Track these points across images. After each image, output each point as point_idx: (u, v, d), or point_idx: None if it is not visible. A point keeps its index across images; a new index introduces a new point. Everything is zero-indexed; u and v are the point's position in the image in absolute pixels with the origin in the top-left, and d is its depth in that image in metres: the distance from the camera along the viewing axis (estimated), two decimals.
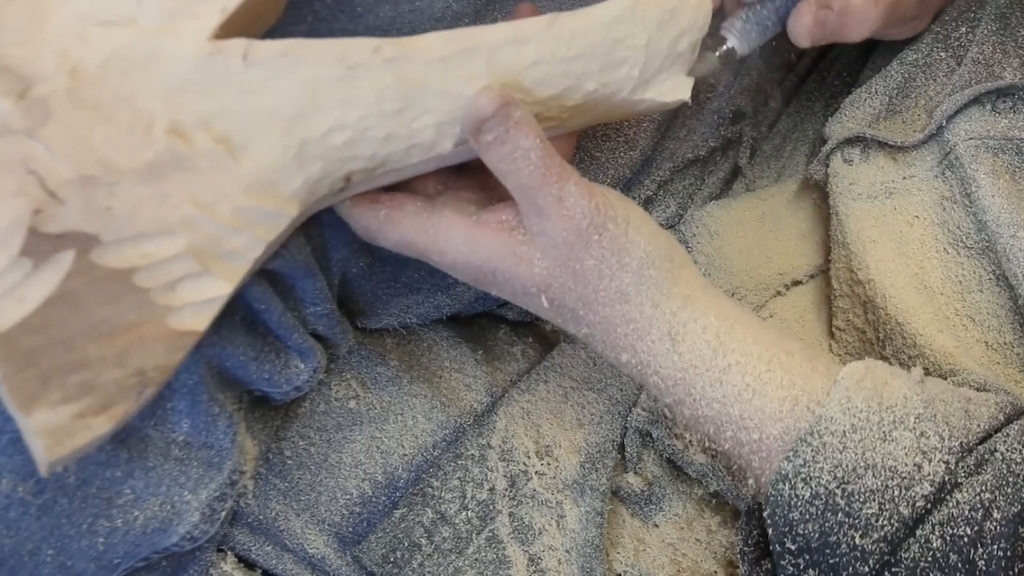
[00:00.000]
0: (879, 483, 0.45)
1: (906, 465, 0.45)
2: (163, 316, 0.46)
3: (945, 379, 0.57)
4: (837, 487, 0.46)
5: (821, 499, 0.46)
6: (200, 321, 0.47)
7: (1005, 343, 0.58)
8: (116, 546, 0.52)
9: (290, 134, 0.46)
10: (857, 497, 0.45)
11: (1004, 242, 0.57)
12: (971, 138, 0.59)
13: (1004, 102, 0.60)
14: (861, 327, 0.61)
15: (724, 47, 0.59)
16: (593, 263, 0.49)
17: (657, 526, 0.62)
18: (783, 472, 0.47)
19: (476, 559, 0.61)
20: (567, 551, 0.60)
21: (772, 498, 0.47)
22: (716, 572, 0.60)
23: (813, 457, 0.46)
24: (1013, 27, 0.63)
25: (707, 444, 0.51)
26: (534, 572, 0.60)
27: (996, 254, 0.57)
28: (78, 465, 0.51)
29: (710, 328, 0.50)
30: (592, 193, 0.49)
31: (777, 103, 0.71)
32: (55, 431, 0.44)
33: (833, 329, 0.64)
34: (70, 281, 0.44)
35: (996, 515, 0.44)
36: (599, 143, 0.65)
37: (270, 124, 0.46)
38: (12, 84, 0.42)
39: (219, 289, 0.47)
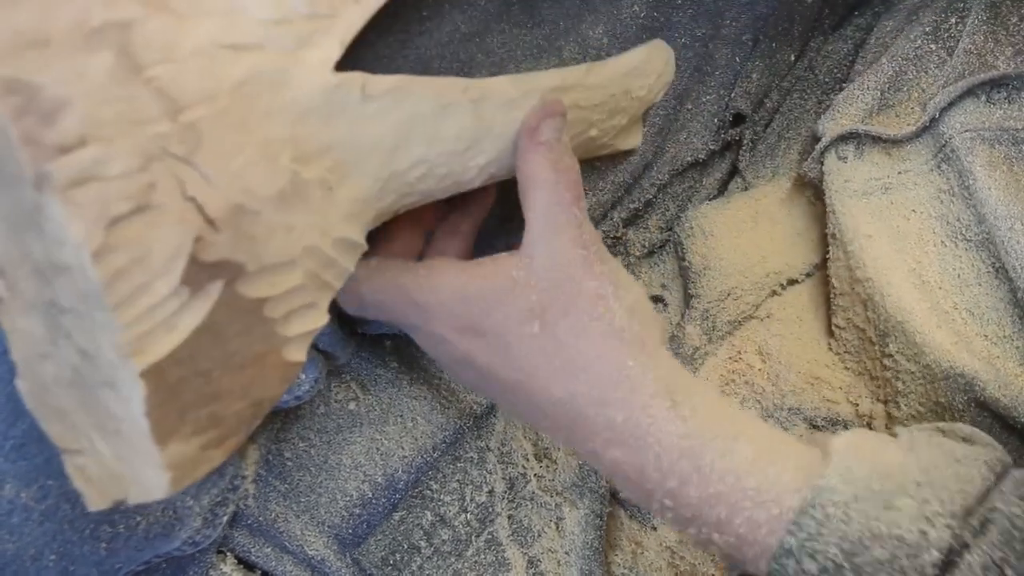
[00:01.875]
0: (887, 553, 0.43)
1: (911, 533, 0.44)
2: (281, 347, 0.46)
3: (948, 378, 0.57)
4: (845, 560, 0.44)
5: (829, 573, 0.44)
6: (302, 352, 0.47)
7: (1004, 336, 0.57)
8: (118, 551, 0.53)
9: (384, 167, 0.47)
10: (866, 569, 0.43)
11: (1002, 234, 0.56)
12: (966, 130, 0.58)
13: (998, 92, 0.59)
14: (861, 325, 0.61)
15: None
16: (594, 286, 0.47)
17: (655, 529, 0.62)
18: (786, 546, 0.44)
19: (475, 561, 0.61)
20: (566, 553, 0.61)
21: (775, 573, 0.45)
22: (714, 575, 0.61)
23: (818, 530, 0.44)
24: (1004, 15, 0.61)
25: (715, 536, 0.46)
26: (533, 574, 0.61)
27: (995, 246, 0.57)
28: None
29: (709, 392, 0.47)
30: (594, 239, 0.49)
31: (773, 103, 0.71)
32: (183, 464, 0.44)
33: (832, 328, 0.63)
34: (216, 312, 0.43)
35: (1010, 573, 0.43)
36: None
37: (372, 156, 0.47)
38: (166, 106, 0.41)
39: (319, 320, 0.47)
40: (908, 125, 0.61)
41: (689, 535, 0.47)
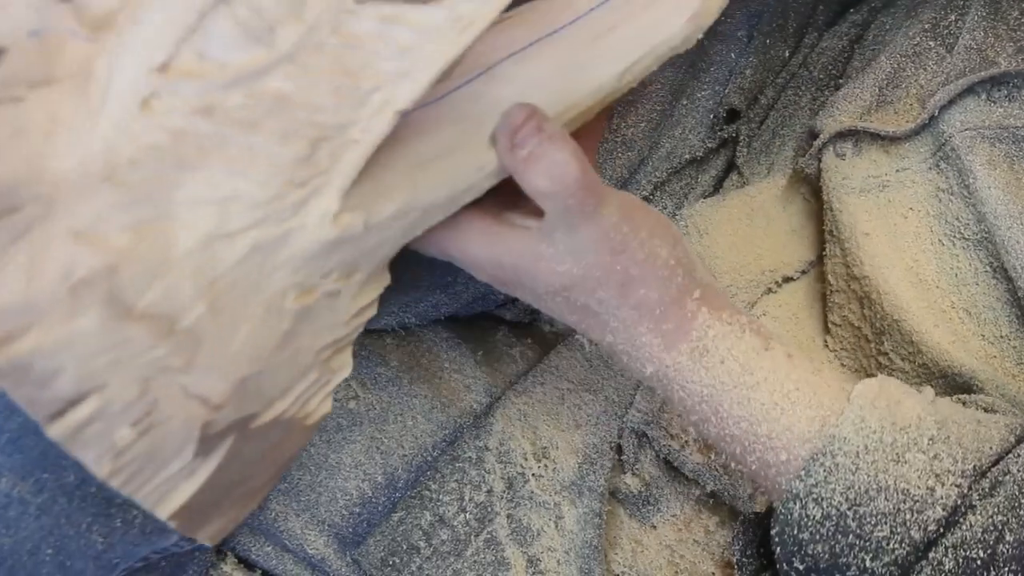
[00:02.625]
0: (891, 506, 0.45)
1: (919, 488, 0.45)
2: (302, 422, 0.48)
3: (945, 377, 0.57)
4: (849, 509, 0.45)
5: (832, 520, 0.45)
6: (328, 404, 0.49)
7: (1002, 336, 0.57)
8: (115, 546, 0.53)
9: (398, 244, 0.47)
10: (869, 520, 0.45)
11: (1002, 233, 0.56)
12: (967, 128, 0.58)
13: (999, 90, 0.59)
14: (857, 323, 0.61)
15: None
16: (619, 270, 0.48)
17: (655, 527, 0.62)
18: (794, 491, 0.46)
19: (475, 561, 0.61)
20: (566, 552, 0.60)
21: (781, 516, 0.46)
22: (714, 573, 0.60)
23: (825, 478, 0.45)
24: (1004, 11, 0.61)
25: (734, 465, 0.50)
26: (533, 573, 0.60)
27: (994, 245, 0.57)
28: (77, 465, 0.52)
29: (738, 345, 0.48)
30: (625, 207, 0.48)
31: (768, 100, 0.71)
32: (221, 529, 0.47)
33: (829, 325, 0.63)
34: (233, 447, 0.45)
35: (1009, 537, 0.43)
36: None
37: (379, 251, 0.47)
38: (160, 327, 0.41)
39: (340, 376, 0.49)
40: (907, 122, 0.61)
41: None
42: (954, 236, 0.59)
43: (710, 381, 0.48)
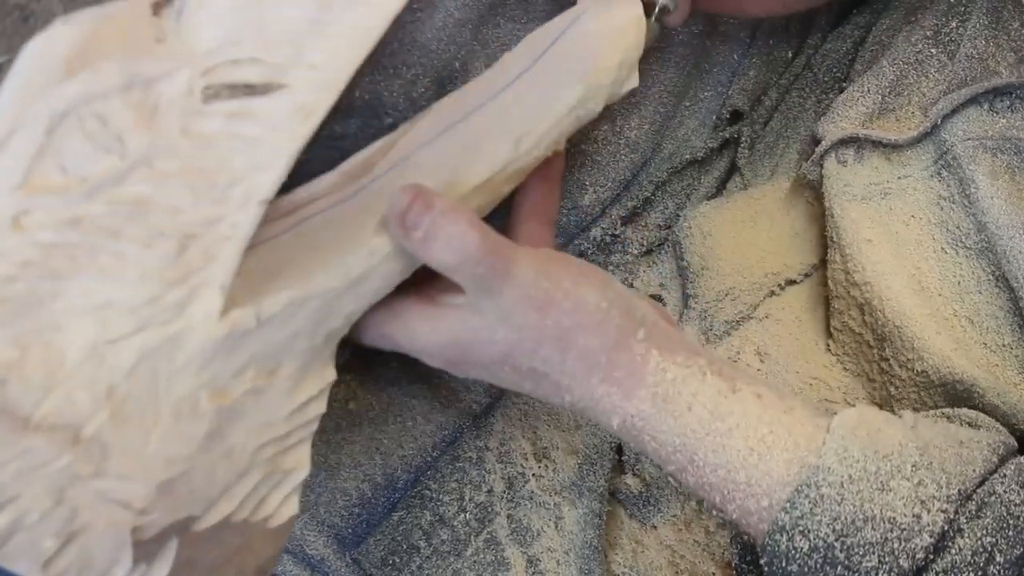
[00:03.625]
0: (878, 535, 0.45)
1: (905, 516, 0.45)
2: (263, 525, 0.48)
3: (945, 385, 0.57)
4: (836, 540, 0.45)
5: (820, 552, 0.45)
6: (293, 505, 0.49)
7: (1004, 344, 0.57)
8: None
9: (312, 342, 0.48)
10: (856, 551, 0.45)
11: (1004, 243, 0.56)
12: (969, 138, 0.58)
13: (1002, 101, 0.59)
14: (857, 330, 0.61)
15: (657, 8, 0.58)
16: (551, 325, 0.47)
17: (655, 528, 0.62)
18: (780, 523, 0.46)
19: (475, 561, 0.61)
20: (565, 552, 0.60)
21: (768, 548, 0.47)
22: (714, 574, 0.60)
23: (811, 509, 0.45)
24: (1006, 20, 0.62)
25: (715, 513, 0.49)
26: (533, 573, 0.61)
27: (996, 255, 0.57)
28: None
29: (703, 389, 0.48)
30: (539, 263, 0.48)
31: (772, 101, 0.71)
32: None
33: (831, 329, 0.63)
34: (181, 554, 0.45)
35: (999, 558, 0.44)
36: (599, 147, 0.65)
37: (295, 344, 0.47)
38: (63, 436, 0.42)
39: (298, 477, 0.49)
40: (909, 130, 0.61)
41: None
42: (956, 244, 0.59)
43: (680, 430, 0.48)
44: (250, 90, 0.42)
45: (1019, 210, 0.56)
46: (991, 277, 0.58)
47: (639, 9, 0.54)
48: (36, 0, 1.28)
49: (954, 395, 0.57)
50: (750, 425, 0.47)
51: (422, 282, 0.50)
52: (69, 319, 0.43)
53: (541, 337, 0.47)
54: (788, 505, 0.46)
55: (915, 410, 0.59)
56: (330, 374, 0.50)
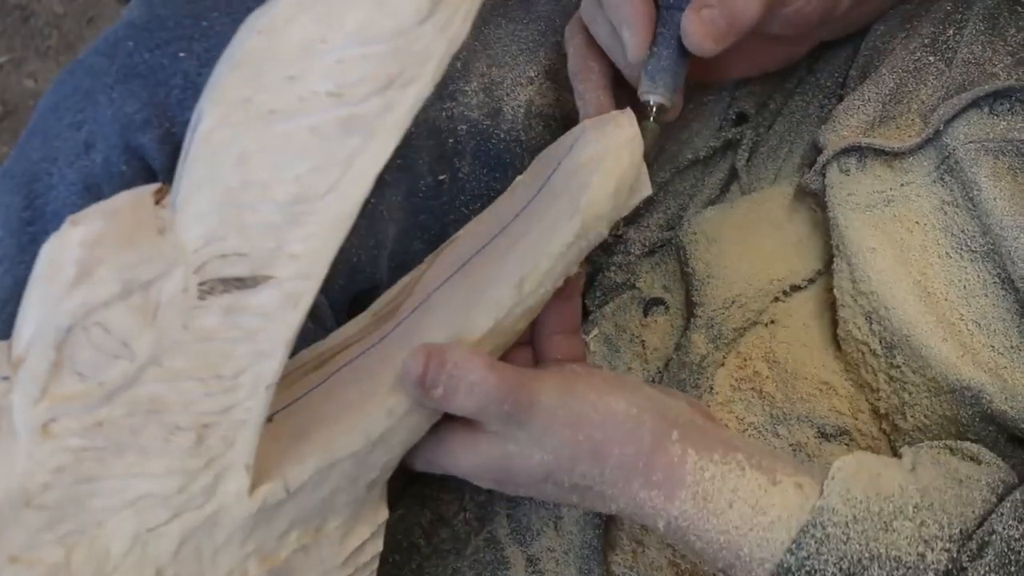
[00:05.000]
0: (884, 574, 0.45)
1: (910, 555, 0.45)
2: None
3: (954, 391, 0.57)
4: None
5: None
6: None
7: (1012, 347, 0.57)
8: None
9: (354, 491, 0.50)
10: None
11: (1008, 244, 0.56)
12: (970, 141, 0.59)
13: (1001, 104, 0.59)
14: (862, 339, 0.61)
15: (653, 110, 0.59)
16: (584, 440, 0.49)
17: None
18: (786, 565, 0.46)
19: (474, 560, 0.61)
20: (565, 552, 0.60)
21: None
22: (715, 574, 0.60)
23: (817, 549, 0.46)
24: (1002, 26, 0.62)
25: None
26: (532, 573, 0.60)
27: (1001, 257, 0.57)
28: None
29: (743, 484, 0.49)
30: (563, 383, 0.50)
31: (777, 105, 0.71)
32: None
33: (838, 339, 0.63)
34: None
35: None
36: None
37: (337, 498, 0.49)
38: None
39: (375, 548, 0.53)
40: (910, 137, 0.61)
41: None
42: (961, 248, 0.59)
43: (723, 527, 0.48)
44: (240, 283, 0.44)
45: (1022, 211, 0.56)
46: (997, 280, 0.58)
47: (633, 129, 0.54)
48: (36, 0, 1.29)
49: (963, 402, 0.57)
50: (793, 516, 0.48)
51: None
52: (108, 516, 0.45)
53: (576, 454, 0.49)
54: (794, 546, 0.46)
55: (926, 417, 0.59)
56: (382, 514, 0.52)
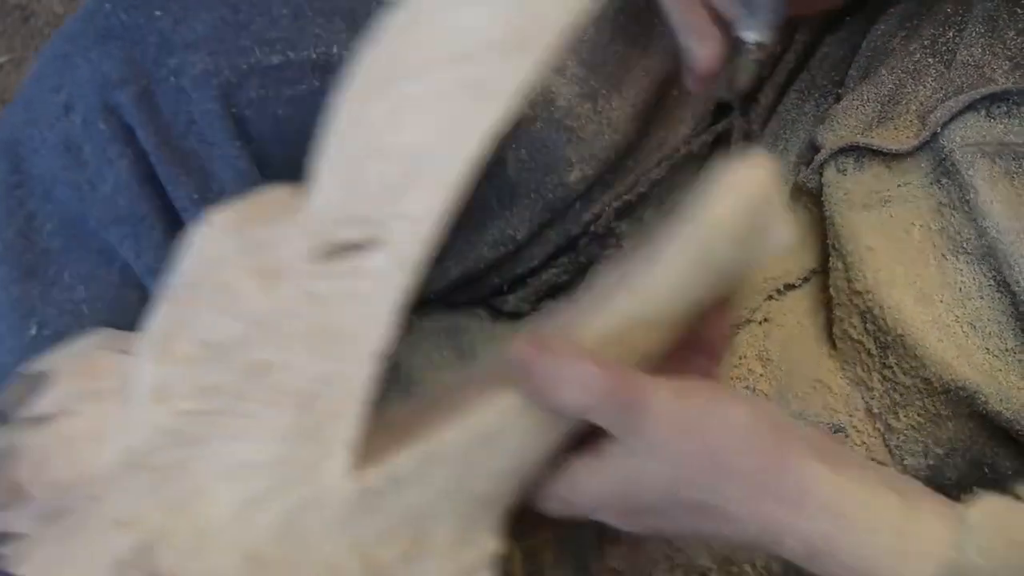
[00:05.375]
0: None
1: None
2: None
3: (948, 392, 0.57)
4: None
5: None
6: None
7: (1006, 349, 0.58)
8: None
9: (460, 497, 0.47)
10: None
11: (1004, 247, 0.57)
12: (967, 144, 0.59)
13: (998, 107, 0.60)
14: (857, 338, 0.61)
15: (750, 46, 0.58)
16: (701, 448, 0.45)
17: None
18: None
19: None
20: (562, 546, 0.60)
21: None
22: (711, 568, 0.61)
23: None
24: (1001, 29, 0.63)
25: None
26: (530, 567, 0.60)
27: (996, 260, 0.58)
28: None
29: (881, 504, 0.45)
30: (676, 387, 0.46)
31: (768, 100, 0.71)
32: None
33: (834, 337, 0.64)
34: None
35: None
36: (583, 124, 0.64)
37: (440, 505, 0.47)
38: None
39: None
40: (908, 138, 0.62)
41: None
42: (957, 250, 0.60)
43: (864, 552, 0.45)
44: (355, 247, 0.44)
45: (1019, 215, 0.57)
46: (992, 282, 0.58)
47: (768, 166, 0.47)
48: (36, 0, 1.29)
49: (957, 402, 0.58)
50: (888, 511, 0.45)
51: (589, 437, 0.48)
52: (210, 482, 0.45)
53: (695, 462, 0.46)
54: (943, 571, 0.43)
55: (920, 416, 0.59)
56: (491, 544, 0.49)
